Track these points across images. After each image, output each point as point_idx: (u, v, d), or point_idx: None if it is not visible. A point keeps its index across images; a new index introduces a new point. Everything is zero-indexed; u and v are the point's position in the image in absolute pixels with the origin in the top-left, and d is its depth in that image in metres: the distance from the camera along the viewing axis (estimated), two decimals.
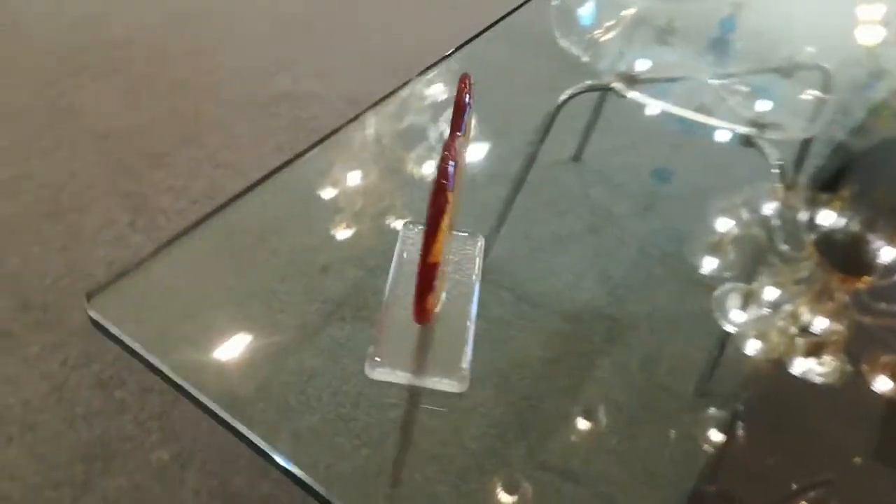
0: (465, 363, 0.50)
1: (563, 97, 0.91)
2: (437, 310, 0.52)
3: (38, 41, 1.85)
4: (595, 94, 0.97)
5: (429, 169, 0.74)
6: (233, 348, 0.54)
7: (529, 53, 1.05)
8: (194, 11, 2.02)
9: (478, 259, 0.57)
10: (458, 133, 0.47)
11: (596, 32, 1.07)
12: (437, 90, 0.85)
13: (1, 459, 0.98)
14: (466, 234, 0.59)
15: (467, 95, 0.49)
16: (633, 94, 0.91)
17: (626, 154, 0.96)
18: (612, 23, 1.08)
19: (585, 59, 0.97)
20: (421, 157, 0.76)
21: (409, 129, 0.81)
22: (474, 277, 0.56)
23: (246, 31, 2.00)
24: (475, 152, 0.75)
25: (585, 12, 1.13)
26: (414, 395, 0.51)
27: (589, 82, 0.93)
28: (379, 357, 0.50)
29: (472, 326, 0.52)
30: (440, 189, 0.42)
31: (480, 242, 0.58)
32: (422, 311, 0.45)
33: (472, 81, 0.51)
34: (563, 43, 0.97)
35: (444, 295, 0.54)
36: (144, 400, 1.06)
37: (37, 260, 1.27)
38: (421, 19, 2.12)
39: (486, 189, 0.78)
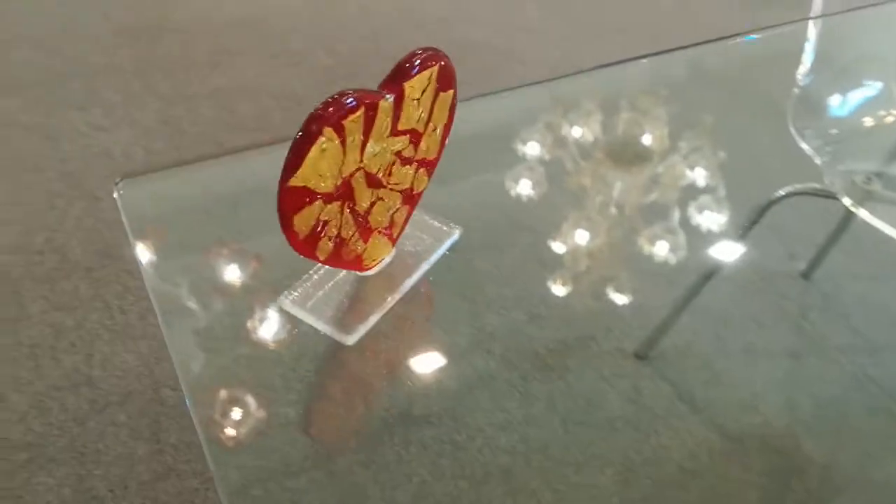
0: (365, 325, 0.48)
1: (779, 193, 0.71)
2: (371, 268, 0.50)
3: None
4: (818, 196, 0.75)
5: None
6: None
7: (722, 106, 0.85)
8: None
9: (438, 248, 0.54)
10: (385, 94, 0.43)
11: (841, 129, 0.86)
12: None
13: None
14: (441, 224, 0.55)
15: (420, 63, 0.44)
16: (866, 214, 0.68)
17: (869, 285, 0.74)
18: (868, 120, 0.87)
19: (821, 159, 0.77)
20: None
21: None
22: (424, 264, 0.53)
23: None
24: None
25: (836, 103, 0.89)
26: (310, 332, 0.49)
27: (815, 185, 0.72)
28: (296, 291, 0.48)
29: (392, 302, 0.49)
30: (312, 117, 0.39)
31: (454, 236, 0.55)
32: (290, 238, 0.42)
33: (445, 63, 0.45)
34: (803, 143, 0.78)
35: (388, 258, 0.51)
36: None
37: None
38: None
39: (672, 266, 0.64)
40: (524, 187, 0.62)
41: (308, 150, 0.38)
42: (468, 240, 0.56)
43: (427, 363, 0.51)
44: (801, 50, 0.93)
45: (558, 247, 0.61)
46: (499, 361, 0.52)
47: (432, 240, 0.53)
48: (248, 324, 0.50)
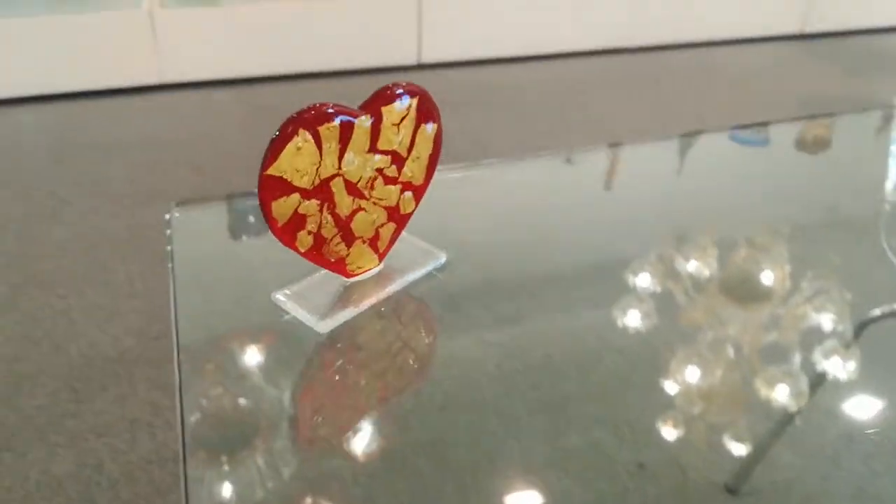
0: (338, 318, 0.53)
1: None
2: (356, 275, 0.56)
3: None
4: None
5: None
6: None
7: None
8: None
9: (421, 269, 0.59)
10: (363, 114, 0.49)
11: None
12: None
13: None
14: (429, 247, 0.60)
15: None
16: None
17: None
18: None
19: None
20: None
21: None
22: (403, 277, 0.58)
23: None
24: None
25: None
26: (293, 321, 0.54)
27: None
28: (288, 289, 0.55)
29: (368, 304, 0.54)
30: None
31: (440, 260, 0.60)
32: (270, 224, 0.48)
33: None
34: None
35: (374, 270, 0.57)
36: None
37: None
38: None
39: None
40: (632, 318, 0.60)
41: (283, 146, 0.45)
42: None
43: (394, 364, 0.55)
44: None
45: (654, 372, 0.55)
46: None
47: (419, 260, 0.59)
48: (244, 310, 0.57)
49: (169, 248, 0.59)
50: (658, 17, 2.60)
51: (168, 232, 0.60)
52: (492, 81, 2.39)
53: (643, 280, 0.64)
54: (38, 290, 1.51)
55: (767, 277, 0.69)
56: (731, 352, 0.59)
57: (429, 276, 0.58)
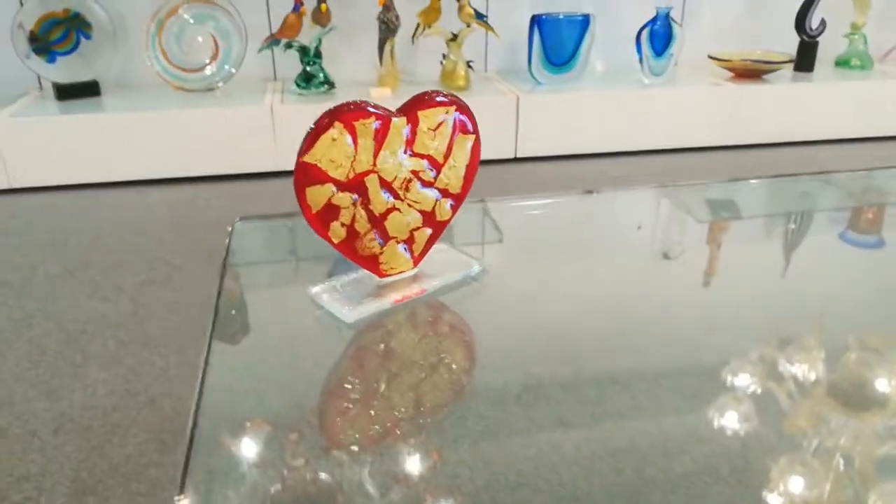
0: (363, 311, 0.54)
1: None
2: (389, 275, 0.57)
3: None
4: None
5: None
6: None
7: None
8: None
9: (454, 274, 0.59)
10: (399, 115, 0.52)
11: None
12: None
13: None
14: (465, 255, 0.61)
15: None
16: None
17: None
18: None
19: None
20: None
21: None
22: (435, 282, 0.58)
23: None
24: None
25: None
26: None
27: None
28: (324, 283, 0.56)
29: (395, 302, 0.55)
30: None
31: (474, 269, 0.61)
32: (304, 209, 0.50)
33: None
34: None
35: (408, 273, 0.58)
36: None
37: None
38: None
39: None
40: (730, 420, 0.56)
41: (319, 136, 0.49)
42: None
43: (413, 363, 0.54)
44: None
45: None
46: None
47: (454, 268, 0.59)
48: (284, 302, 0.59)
49: (225, 255, 0.63)
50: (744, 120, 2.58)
51: (227, 241, 0.65)
52: (583, 173, 2.42)
53: (742, 379, 0.59)
54: (143, 348, 1.60)
55: (882, 383, 0.62)
56: (840, 463, 0.51)
57: (461, 282, 0.57)
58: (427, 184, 0.55)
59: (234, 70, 2.34)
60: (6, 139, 2.11)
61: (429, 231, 0.57)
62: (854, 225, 0.91)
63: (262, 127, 2.21)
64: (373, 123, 0.50)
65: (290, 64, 2.37)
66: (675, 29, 2.48)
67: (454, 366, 0.51)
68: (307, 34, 2.28)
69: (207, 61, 2.34)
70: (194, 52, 2.33)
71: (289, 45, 2.25)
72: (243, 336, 0.56)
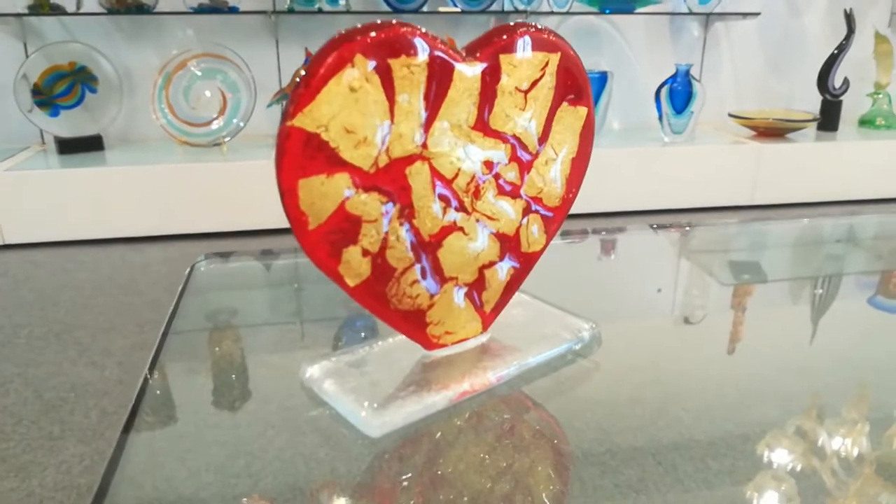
0: (397, 416, 0.27)
1: None
2: (443, 345, 0.30)
3: None
4: None
5: None
6: None
7: None
8: None
9: (555, 348, 0.33)
10: (468, 57, 0.28)
11: None
12: None
13: None
14: (579, 317, 0.35)
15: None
16: None
17: None
18: None
19: None
20: None
21: None
22: (522, 360, 0.32)
23: None
24: None
25: None
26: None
27: None
28: (325, 360, 0.30)
29: (450, 400, 0.28)
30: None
31: (586, 331, 0.35)
32: (294, 218, 0.24)
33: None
34: None
35: (474, 341, 0.31)
36: None
37: None
38: None
39: None
40: (768, 498, 0.48)
41: (325, 81, 0.23)
42: None
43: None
44: None
45: None
46: None
47: (551, 334, 0.33)
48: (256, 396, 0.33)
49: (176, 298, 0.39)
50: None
51: (180, 288, 0.41)
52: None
53: (779, 455, 0.51)
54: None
55: None
56: None
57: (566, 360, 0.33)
58: (507, 191, 0.30)
59: (242, 124, 2.14)
60: (1, 194, 1.91)
61: (511, 268, 0.31)
62: (884, 289, 0.82)
63: (271, 183, 1.99)
64: (423, 68, 0.25)
65: None
66: (696, 86, 2.28)
67: None
68: None
69: (215, 115, 2.15)
70: (202, 106, 2.13)
71: None
72: (175, 455, 0.30)
